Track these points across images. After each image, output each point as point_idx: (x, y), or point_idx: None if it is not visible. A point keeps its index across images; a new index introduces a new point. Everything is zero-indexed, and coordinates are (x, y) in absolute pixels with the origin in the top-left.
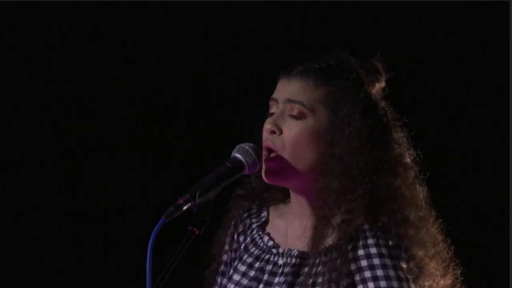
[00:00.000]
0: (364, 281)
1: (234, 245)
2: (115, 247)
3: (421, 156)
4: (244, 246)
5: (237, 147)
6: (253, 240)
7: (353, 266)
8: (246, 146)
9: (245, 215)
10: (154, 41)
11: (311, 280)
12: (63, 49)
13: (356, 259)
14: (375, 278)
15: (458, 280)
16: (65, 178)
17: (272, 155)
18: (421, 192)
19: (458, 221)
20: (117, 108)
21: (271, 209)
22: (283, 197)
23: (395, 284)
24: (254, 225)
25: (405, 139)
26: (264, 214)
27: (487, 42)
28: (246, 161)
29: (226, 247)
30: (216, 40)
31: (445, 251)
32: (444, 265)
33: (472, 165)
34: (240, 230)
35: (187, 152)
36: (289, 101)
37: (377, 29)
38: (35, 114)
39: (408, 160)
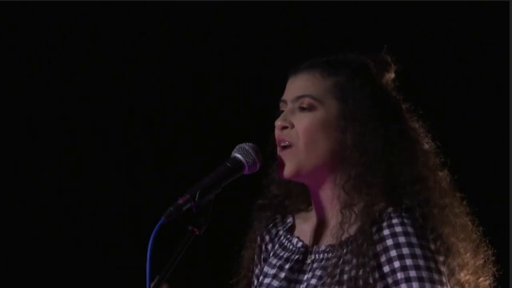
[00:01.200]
0: (390, 260)
1: (263, 255)
2: (115, 247)
3: (440, 145)
4: (273, 253)
5: (237, 147)
6: (281, 244)
7: (378, 247)
8: (246, 146)
9: (271, 225)
10: (154, 41)
11: (338, 270)
12: (63, 49)
13: (382, 239)
14: (400, 257)
15: (490, 260)
16: (65, 178)
17: (286, 143)
18: (444, 177)
19: None
20: (117, 108)
21: (296, 216)
22: (305, 204)
23: (421, 262)
24: (281, 232)
25: (422, 128)
26: (290, 220)
27: (487, 42)
28: (246, 161)
29: (256, 260)
30: (216, 40)
31: (474, 233)
32: (473, 245)
33: (472, 165)
34: (268, 240)
35: (187, 152)
36: (298, 98)
37: (377, 29)
38: (35, 114)
39: (426, 146)
